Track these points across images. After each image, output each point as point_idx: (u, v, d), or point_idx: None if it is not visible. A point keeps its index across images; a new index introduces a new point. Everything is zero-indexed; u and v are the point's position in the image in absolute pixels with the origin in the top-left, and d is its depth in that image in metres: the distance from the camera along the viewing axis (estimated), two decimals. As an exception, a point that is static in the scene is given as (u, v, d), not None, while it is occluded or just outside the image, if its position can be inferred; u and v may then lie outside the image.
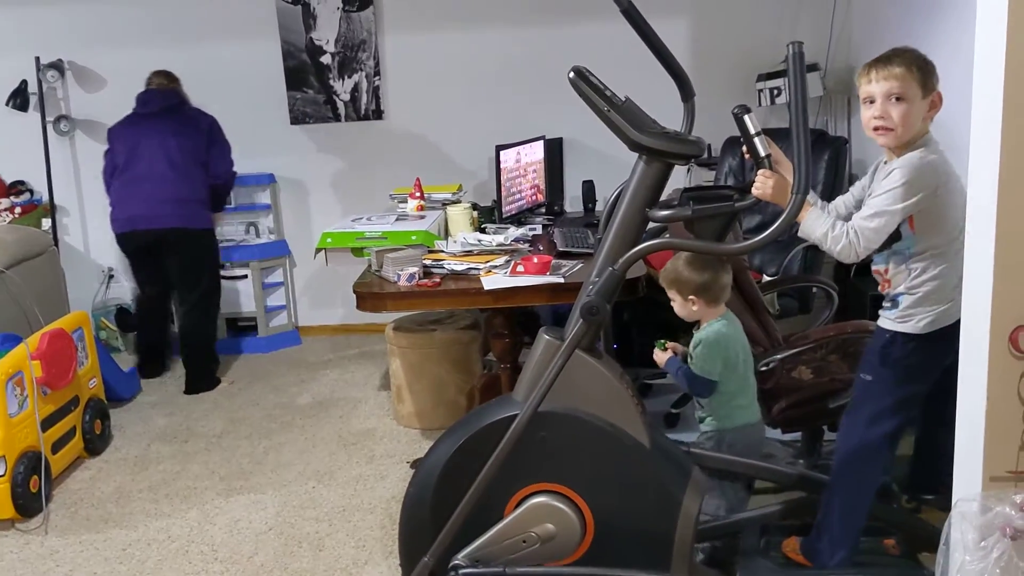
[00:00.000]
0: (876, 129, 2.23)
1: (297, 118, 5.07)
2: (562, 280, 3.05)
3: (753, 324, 2.75)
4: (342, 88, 5.01)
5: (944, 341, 2.21)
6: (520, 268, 3.14)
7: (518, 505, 2.25)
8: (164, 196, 4.33)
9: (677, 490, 2.22)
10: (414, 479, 2.40)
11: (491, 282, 3.09)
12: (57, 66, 4.99)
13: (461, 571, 2.20)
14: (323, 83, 5.02)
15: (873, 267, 2.38)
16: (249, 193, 5.16)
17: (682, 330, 4.20)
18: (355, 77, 5.00)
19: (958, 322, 1.97)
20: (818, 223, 2.21)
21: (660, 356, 2.68)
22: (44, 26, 5.01)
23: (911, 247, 2.26)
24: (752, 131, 2.14)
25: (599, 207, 4.68)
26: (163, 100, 4.44)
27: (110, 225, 4.47)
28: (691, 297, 2.58)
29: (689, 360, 2.62)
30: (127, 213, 4.38)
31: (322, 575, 2.77)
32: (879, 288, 2.40)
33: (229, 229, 5.17)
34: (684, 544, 2.21)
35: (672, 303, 2.66)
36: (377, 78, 5.00)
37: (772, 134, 2.35)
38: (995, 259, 1.69)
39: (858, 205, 2.34)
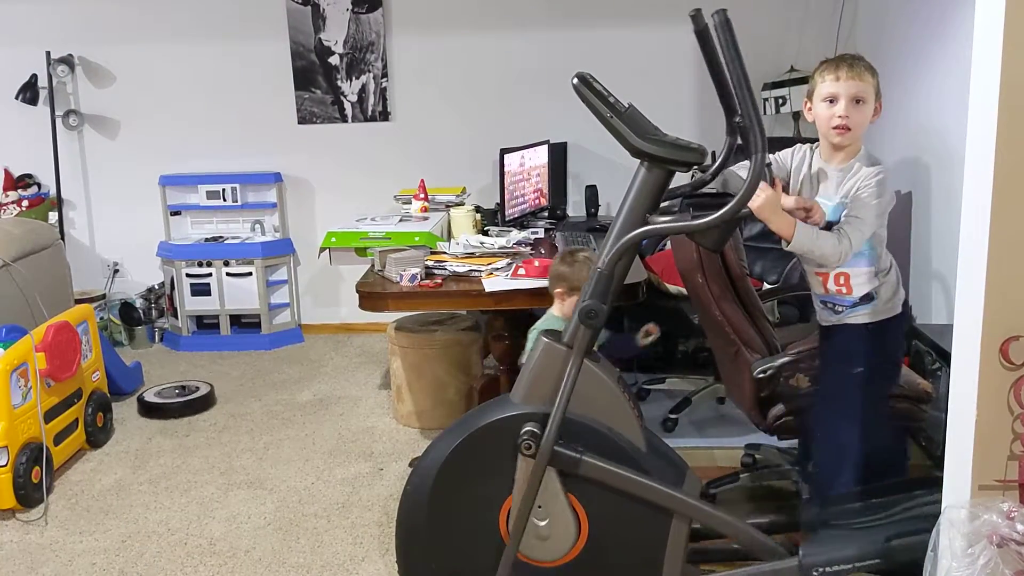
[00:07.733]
0: (836, 128, 2.34)
1: (304, 118, 5.11)
2: (563, 283, 3.07)
3: (751, 331, 2.77)
4: (349, 89, 5.05)
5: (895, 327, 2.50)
6: (521, 271, 3.17)
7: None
8: None
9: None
10: (412, 478, 2.42)
11: (492, 284, 3.11)
12: (67, 61, 5.03)
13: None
14: (331, 84, 5.05)
15: (827, 271, 2.46)
16: (256, 191, 5.20)
17: (682, 336, 4.25)
18: (363, 78, 5.04)
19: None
20: (824, 240, 2.31)
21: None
22: (55, 20, 5.06)
23: (874, 247, 2.41)
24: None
25: (602, 212, 4.70)
26: None
27: None
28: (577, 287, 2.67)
29: None
30: None
31: (319, 570, 2.80)
32: (823, 290, 2.51)
33: (235, 227, 5.22)
34: (677, 547, 2.24)
35: (556, 308, 2.78)
36: (384, 80, 5.04)
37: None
38: (988, 271, 1.71)
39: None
